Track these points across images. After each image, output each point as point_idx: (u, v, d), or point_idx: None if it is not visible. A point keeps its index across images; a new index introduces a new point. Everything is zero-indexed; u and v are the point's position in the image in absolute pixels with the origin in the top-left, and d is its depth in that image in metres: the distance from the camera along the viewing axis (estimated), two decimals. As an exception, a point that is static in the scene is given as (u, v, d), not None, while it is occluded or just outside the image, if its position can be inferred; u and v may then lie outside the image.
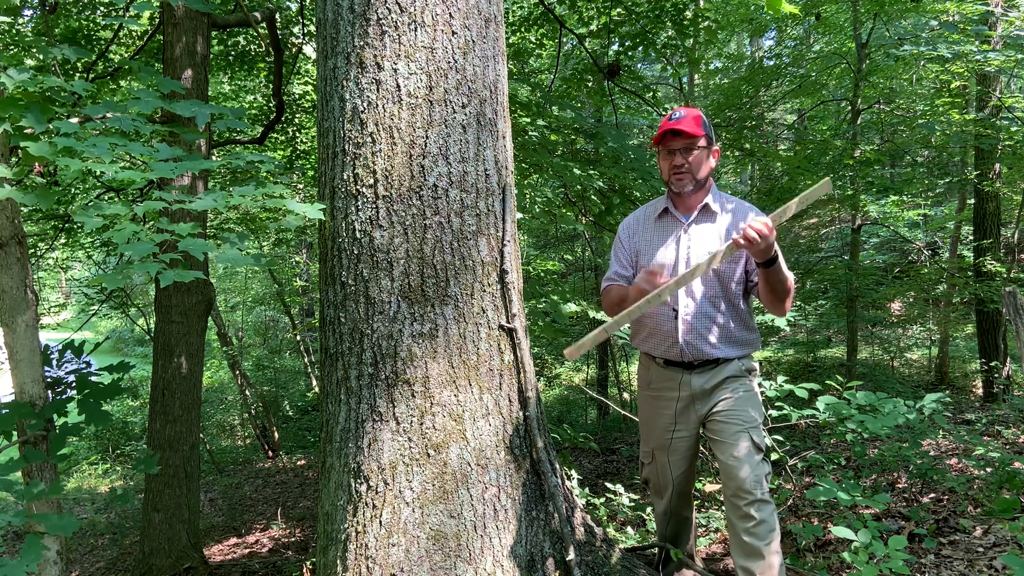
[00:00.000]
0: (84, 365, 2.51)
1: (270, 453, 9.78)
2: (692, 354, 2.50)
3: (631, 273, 2.64)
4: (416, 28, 2.17)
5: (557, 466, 2.49)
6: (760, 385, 3.69)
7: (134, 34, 7.43)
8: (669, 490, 2.73)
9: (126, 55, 7.30)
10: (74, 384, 2.38)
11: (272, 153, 8.29)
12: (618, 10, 6.30)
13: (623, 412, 6.24)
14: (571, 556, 2.25)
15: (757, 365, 2.62)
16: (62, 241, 8.19)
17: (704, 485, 4.38)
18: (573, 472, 3.92)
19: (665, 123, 2.47)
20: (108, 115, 2.09)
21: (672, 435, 2.63)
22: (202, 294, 4.43)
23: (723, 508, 3.76)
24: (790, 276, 2.37)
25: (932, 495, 3.58)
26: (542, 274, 8.29)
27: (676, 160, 2.46)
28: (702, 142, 2.45)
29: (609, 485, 4.07)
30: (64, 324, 17.53)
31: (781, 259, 2.30)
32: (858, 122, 8.80)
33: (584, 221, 6.10)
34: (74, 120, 2.18)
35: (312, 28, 6.80)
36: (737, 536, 2.37)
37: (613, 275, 2.68)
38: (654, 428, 2.68)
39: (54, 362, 2.50)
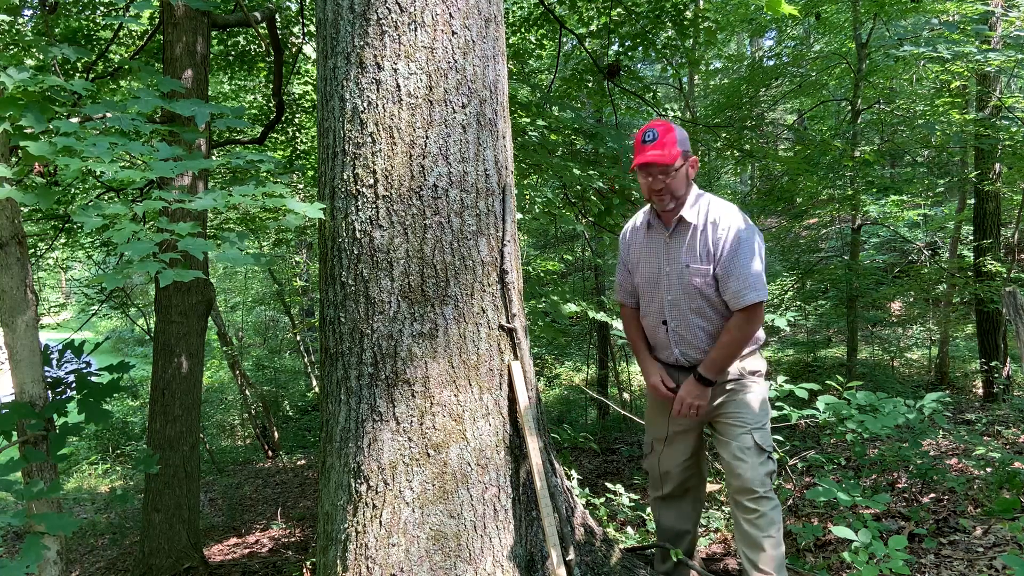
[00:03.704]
0: (84, 365, 2.51)
1: (270, 453, 9.78)
2: (688, 361, 2.58)
3: (626, 283, 2.73)
4: (416, 28, 2.17)
5: (557, 466, 2.50)
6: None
7: (134, 34, 7.42)
8: (668, 485, 2.77)
9: (126, 55, 7.29)
10: (74, 384, 2.38)
11: (272, 153, 8.29)
12: (618, 10, 6.30)
13: (623, 412, 6.23)
14: (571, 556, 2.25)
15: (763, 365, 2.61)
16: (62, 241, 8.18)
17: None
18: (573, 472, 3.92)
19: (638, 147, 2.46)
20: (108, 115, 2.09)
21: (670, 428, 2.69)
22: (202, 294, 4.43)
23: (722, 508, 3.76)
24: (735, 354, 2.48)
25: (932, 495, 3.58)
26: (542, 274, 8.28)
27: (655, 185, 2.46)
28: (679, 162, 2.44)
29: (609, 485, 4.06)
30: (64, 324, 17.53)
31: (714, 373, 2.47)
32: (858, 122, 8.79)
33: (584, 221, 6.10)
34: (74, 120, 2.18)
35: (312, 28, 6.80)
36: (740, 527, 2.44)
37: (617, 286, 2.81)
38: (656, 417, 2.75)
39: (54, 362, 2.50)
